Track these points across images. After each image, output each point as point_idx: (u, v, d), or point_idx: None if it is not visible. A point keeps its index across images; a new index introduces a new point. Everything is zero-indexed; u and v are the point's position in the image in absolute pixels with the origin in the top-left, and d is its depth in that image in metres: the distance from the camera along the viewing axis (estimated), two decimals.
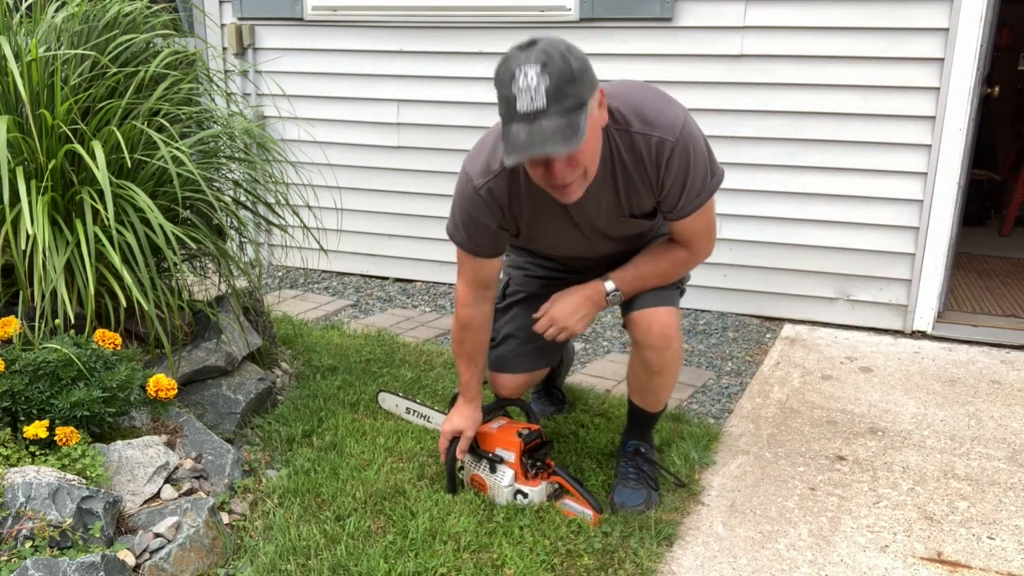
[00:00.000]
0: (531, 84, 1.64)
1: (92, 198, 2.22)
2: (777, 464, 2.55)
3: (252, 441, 2.53)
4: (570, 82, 1.66)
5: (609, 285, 2.12)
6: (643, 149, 1.90)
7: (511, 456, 2.19)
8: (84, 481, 1.91)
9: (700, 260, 2.14)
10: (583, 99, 1.69)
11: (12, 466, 1.90)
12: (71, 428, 1.99)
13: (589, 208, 2.00)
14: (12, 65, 2.19)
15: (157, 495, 2.06)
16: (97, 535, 1.82)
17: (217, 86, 3.03)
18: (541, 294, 2.34)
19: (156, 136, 2.29)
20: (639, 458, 2.32)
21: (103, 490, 1.90)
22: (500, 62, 1.72)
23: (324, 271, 4.58)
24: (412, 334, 3.65)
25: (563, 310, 2.14)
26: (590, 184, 1.88)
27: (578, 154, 1.74)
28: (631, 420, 2.39)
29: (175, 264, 2.37)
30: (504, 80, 1.69)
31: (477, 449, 2.27)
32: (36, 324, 2.13)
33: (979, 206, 5.62)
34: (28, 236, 2.08)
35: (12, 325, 2.12)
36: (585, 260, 2.25)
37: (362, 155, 4.38)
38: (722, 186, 3.87)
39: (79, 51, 2.48)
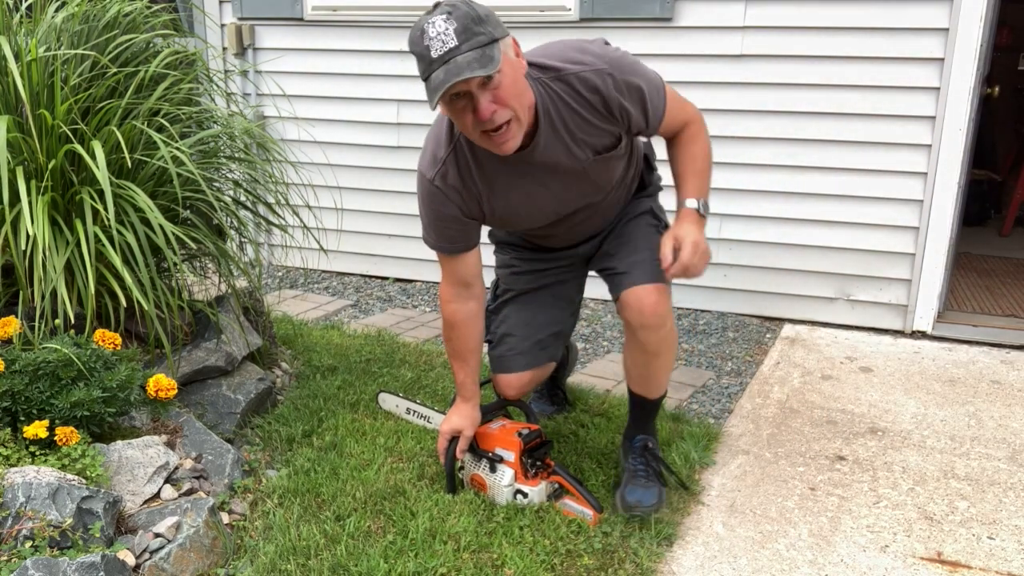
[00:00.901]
0: (440, 30, 1.72)
1: (92, 198, 2.22)
2: (777, 464, 2.55)
3: (252, 441, 2.53)
4: (477, 22, 1.73)
5: (690, 203, 2.05)
6: (582, 86, 1.92)
7: (511, 456, 2.19)
8: (84, 481, 1.91)
9: (703, 124, 2.12)
10: (494, 36, 1.75)
11: (12, 466, 1.90)
12: (71, 428, 1.99)
13: (550, 162, 2.00)
14: (12, 65, 2.19)
15: (157, 495, 2.06)
16: (97, 535, 1.82)
17: (217, 86, 3.03)
18: (529, 290, 2.37)
19: (156, 136, 2.29)
20: (648, 454, 2.28)
21: (103, 490, 1.90)
22: (409, 34, 1.79)
23: (324, 271, 4.58)
24: (412, 334, 3.65)
25: (687, 232, 2.00)
26: (541, 140, 1.92)
27: (500, 90, 1.78)
28: (634, 412, 2.35)
29: (175, 264, 2.37)
30: (416, 39, 1.76)
31: (477, 449, 2.27)
32: (36, 324, 2.13)
33: (979, 206, 5.62)
34: (28, 236, 2.08)
35: (12, 325, 2.12)
36: (561, 227, 2.22)
37: (362, 155, 4.38)
38: (722, 186, 3.90)
39: (79, 51, 2.48)
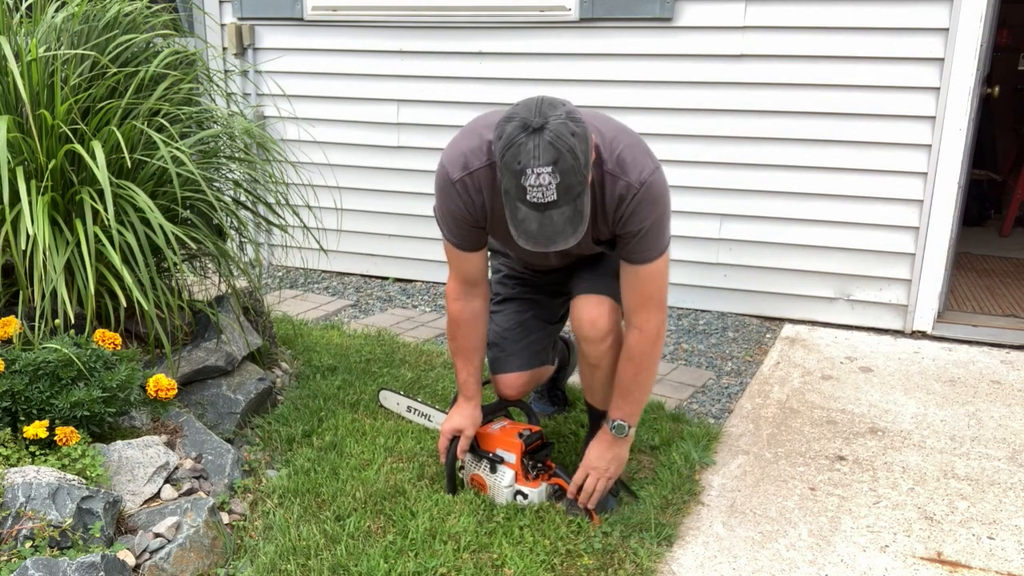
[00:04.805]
0: (543, 183, 1.70)
1: (92, 198, 2.22)
2: (777, 464, 2.55)
3: (252, 441, 2.53)
4: (578, 174, 1.72)
5: (611, 423, 2.14)
6: (609, 188, 1.93)
7: (512, 457, 2.19)
8: (84, 481, 1.91)
9: (655, 336, 2.06)
10: (586, 179, 1.76)
11: (12, 466, 1.90)
12: (71, 428, 1.99)
13: None
14: (12, 65, 2.19)
15: (157, 495, 2.06)
16: (97, 535, 1.82)
17: (217, 86, 3.03)
18: (516, 297, 2.40)
19: (156, 136, 2.29)
20: None
21: (103, 490, 1.90)
22: (506, 144, 1.72)
23: (324, 271, 4.58)
24: (412, 334, 3.65)
25: (593, 459, 2.17)
26: None
27: None
28: (591, 420, 2.40)
29: (175, 264, 2.37)
30: (512, 168, 1.72)
31: (478, 449, 2.27)
32: (36, 324, 2.13)
33: (979, 206, 5.62)
34: (28, 236, 2.08)
35: (12, 325, 2.12)
36: (545, 265, 2.28)
37: (362, 155, 4.38)
38: (724, 186, 3.90)
39: (79, 51, 2.48)
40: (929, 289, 3.58)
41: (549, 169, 1.69)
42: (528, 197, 1.72)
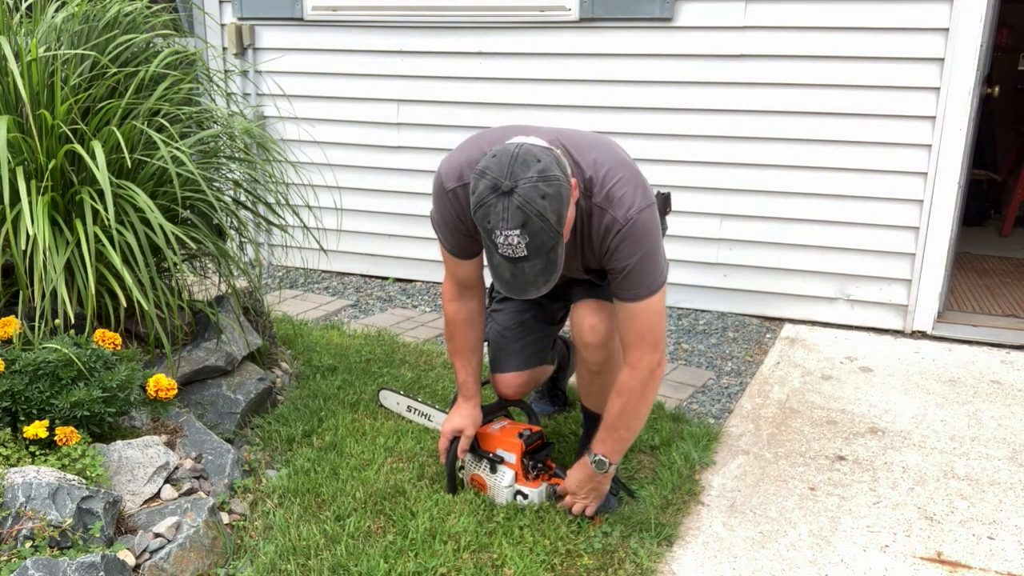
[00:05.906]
0: (512, 242, 1.75)
1: (92, 198, 2.22)
2: (777, 464, 2.55)
3: (252, 441, 2.53)
4: (548, 232, 1.75)
5: (592, 456, 2.10)
6: (596, 220, 1.94)
7: (512, 457, 2.20)
8: (84, 481, 1.91)
9: (647, 376, 2.01)
10: (559, 235, 1.78)
11: (12, 466, 1.90)
12: (71, 428, 1.99)
13: None
14: (12, 65, 2.19)
15: (157, 495, 2.06)
16: (97, 535, 1.82)
17: (217, 86, 3.03)
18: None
19: (156, 136, 2.29)
20: None
21: (103, 490, 1.90)
22: (477, 203, 1.77)
23: (324, 271, 4.58)
24: (412, 334, 3.65)
25: (573, 485, 2.15)
26: None
27: None
28: (586, 424, 2.40)
29: (175, 264, 2.37)
30: (484, 226, 1.78)
31: (478, 449, 2.27)
32: (36, 324, 2.13)
33: (979, 206, 5.62)
34: (28, 236, 2.08)
35: (12, 325, 2.12)
36: None
37: (362, 155, 4.38)
38: (725, 186, 3.90)
39: (79, 51, 2.48)
40: (929, 289, 3.58)
41: (518, 232, 1.73)
42: (500, 251, 1.77)
